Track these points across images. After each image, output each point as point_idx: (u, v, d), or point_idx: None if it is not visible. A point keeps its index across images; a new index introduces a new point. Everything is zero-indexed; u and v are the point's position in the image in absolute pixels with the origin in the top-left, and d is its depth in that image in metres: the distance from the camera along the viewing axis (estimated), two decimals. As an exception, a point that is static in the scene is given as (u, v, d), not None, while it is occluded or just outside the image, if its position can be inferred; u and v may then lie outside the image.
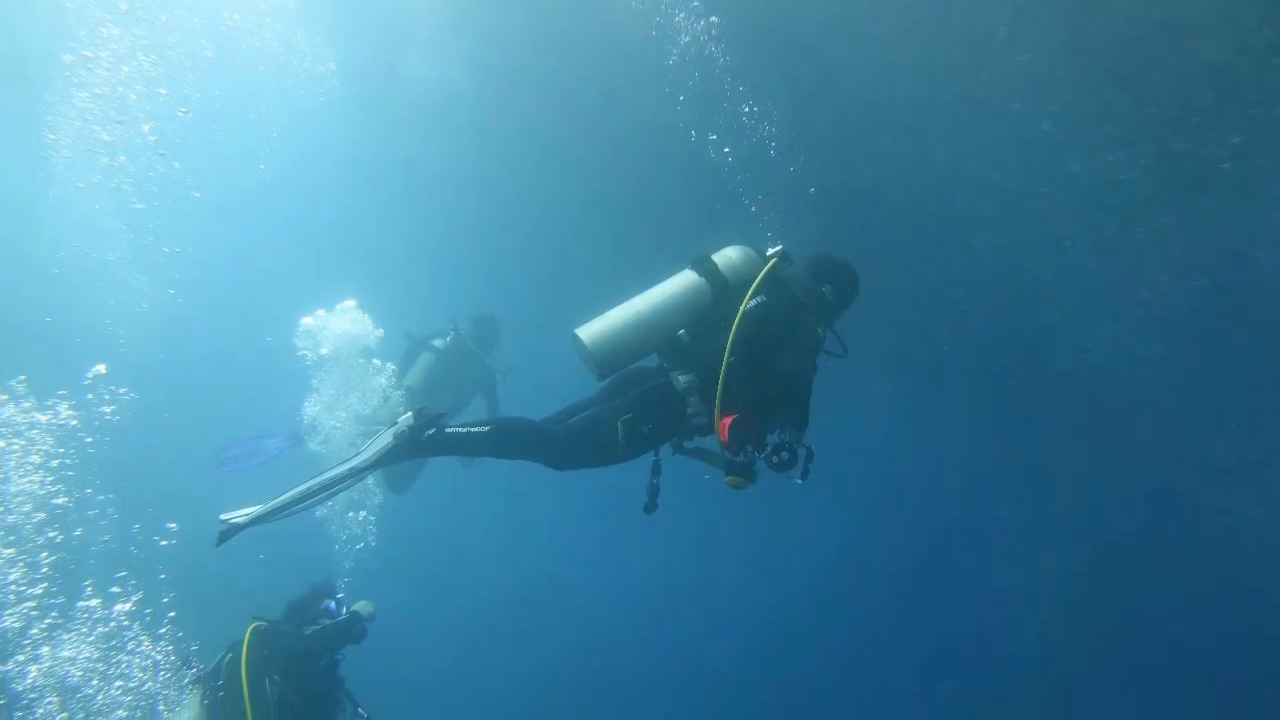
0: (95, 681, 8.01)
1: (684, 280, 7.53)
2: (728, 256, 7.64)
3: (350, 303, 12.67)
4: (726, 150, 17.18)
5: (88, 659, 8.08)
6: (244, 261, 27.26)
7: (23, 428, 9.34)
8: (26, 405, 9.48)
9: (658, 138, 19.80)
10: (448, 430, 6.81)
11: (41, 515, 8.91)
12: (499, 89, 21.72)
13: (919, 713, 25.32)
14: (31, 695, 7.62)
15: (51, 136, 21.33)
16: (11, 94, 22.01)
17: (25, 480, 9.04)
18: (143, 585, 8.70)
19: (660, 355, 7.59)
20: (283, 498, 6.51)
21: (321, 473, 6.60)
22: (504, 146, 23.00)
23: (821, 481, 7.50)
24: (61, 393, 10.02)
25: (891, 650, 26.98)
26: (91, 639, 8.16)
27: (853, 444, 22.77)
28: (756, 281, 7.30)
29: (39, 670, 7.79)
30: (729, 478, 7.14)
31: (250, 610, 8.97)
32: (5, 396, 9.39)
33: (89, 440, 10.46)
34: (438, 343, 14.31)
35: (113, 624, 8.27)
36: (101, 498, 12.29)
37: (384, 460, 6.66)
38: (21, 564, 8.34)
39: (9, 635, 7.91)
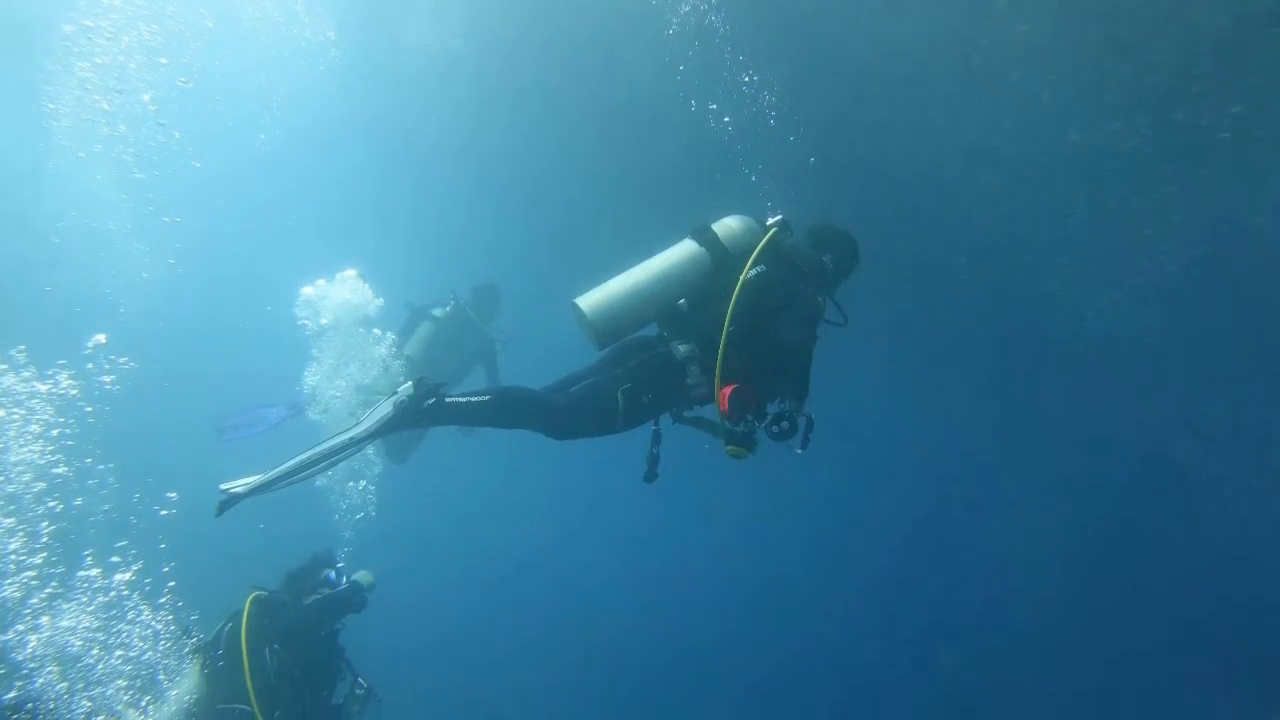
0: (95, 651, 8.02)
1: (684, 250, 7.55)
2: (728, 226, 7.65)
3: (350, 272, 12.67)
4: (726, 120, 17.17)
5: (88, 628, 8.09)
6: (244, 231, 27.25)
7: (23, 397, 9.34)
8: (26, 375, 9.47)
9: (657, 107, 19.78)
10: (447, 400, 6.80)
11: (41, 485, 8.91)
12: (499, 58, 21.69)
13: (920, 682, 25.36)
14: (31, 664, 7.63)
15: (52, 106, 21.31)
16: (12, 63, 21.98)
17: (25, 450, 9.04)
18: (143, 555, 8.72)
19: (660, 325, 7.59)
20: (283, 467, 6.50)
21: (321, 442, 6.59)
22: (504, 115, 22.98)
23: (821, 451, 7.50)
24: (61, 362, 10.02)
25: (892, 620, 27.02)
26: (91, 608, 8.17)
27: (853, 413, 22.80)
28: (756, 251, 7.31)
29: (39, 640, 7.80)
30: (729, 447, 7.16)
31: (250, 580, 8.99)
32: (5, 366, 9.38)
33: (89, 410, 10.46)
34: (438, 312, 14.30)
35: (113, 593, 8.28)
36: (101, 467, 12.28)
37: (384, 430, 6.65)
38: (21, 533, 8.35)
39: (9, 605, 7.92)
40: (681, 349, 7.25)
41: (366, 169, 26.57)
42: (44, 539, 8.47)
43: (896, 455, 27.19)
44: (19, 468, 8.85)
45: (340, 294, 12.55)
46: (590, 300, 7.24)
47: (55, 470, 9.14)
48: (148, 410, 20.69)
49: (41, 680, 7.58)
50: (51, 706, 7.44)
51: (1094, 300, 20.89)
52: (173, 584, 8.86)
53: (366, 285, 12.68)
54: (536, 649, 27.24)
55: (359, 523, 13.98)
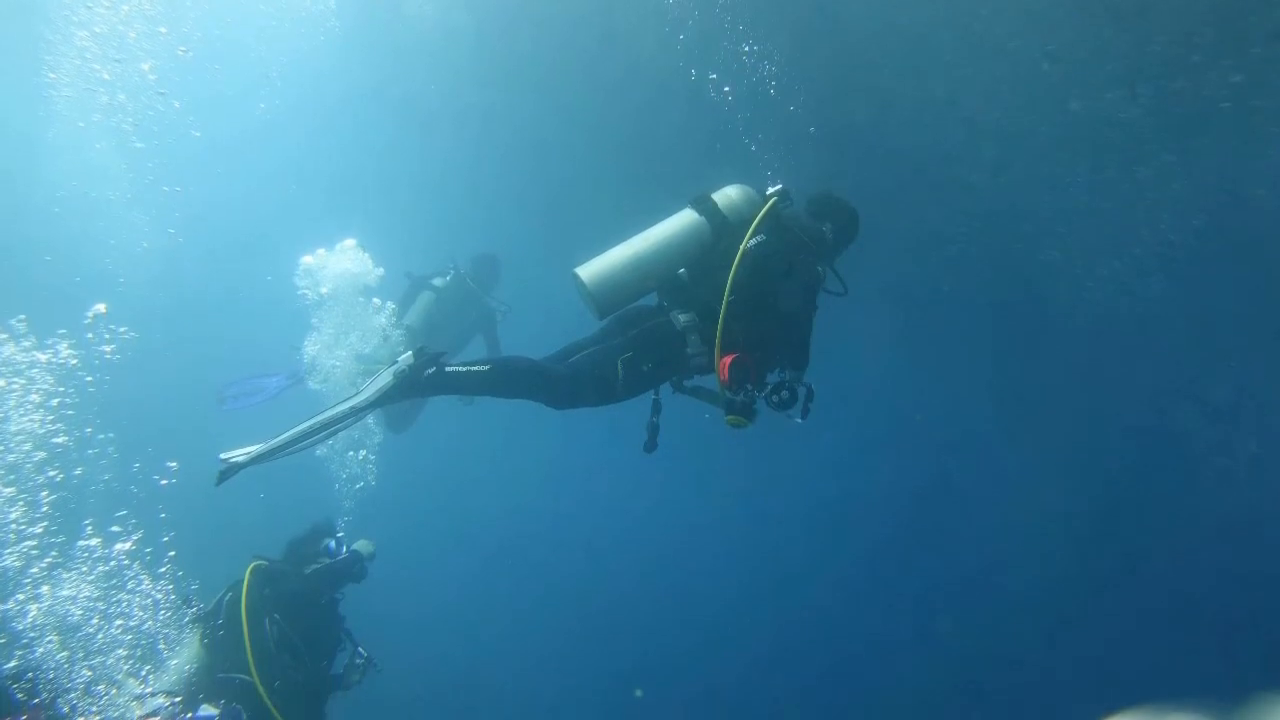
0: (95, 620, 8.03)
1: (684, 219, 7.55)
2: (728, 195, 7.65)
3: (350, 242, 12.69)
4: (726, 89, 17.18)
5: (88, 598, 8.09)
6: (244, 200, 27.22)
7: (23, 367, 9.33)
8: (27, 344, 9.46)
9: (658, 77, 19.76)
10: (447, 369, 6.79)
11: (42, 454, 8.91)
12: (500, 27, 21.63)
13: (918, 649, 25.41)
14: (31, 634, 7.64)
15: (52, 75, 21.27)
16: (12, 32, 21.93)
17: (25, 419, 9.04)
18: (143, 524, 8.72)
19: (660, 294, 7.61)
20: (283, 437, 6.50)
21: (322, 412, 6.60)
22: (504, 85, 22.94)
23: (821, 420, 7.51)
24: (61, 332, 10.00)
25: (891, 587, 27.07)
26: (91, 578, 8.18)
27: (853, 383, 22.83)
28: (756, 220, 7.30)
29: (39, 609, 7.81)
30: (729, 417, 7.18)
31: (250, 549, 9.00)
32: (5, 335, 9.37)
33: (89, 379, 10.45)
34: (438, 282, 14.32)
35: (113, 563, 8.29)
36: (102, 436, 12.30)
37: (384, 399, 6.64)
38: (21, 503, 8.34)
39: (9, 574, 7.92)
40: (681, 318, 7.26)
41: (367, 139, 26.54)
42: (44, 508, 8.47)
43: (896, 425, 27.24)
44: (19, 437, 8.85)
45: (340, 263, 12.57)
46: (590, 270, 7.24)
47: (55, 440, 9.14)
48: (148, 380, 20.70)
49: (42, 649, 7.59)
50: (52, 675, 7.45)
51: (1094, 270, 20.91)
52: (173, 553, 8.87)
53: (366, 254, 12.69)
54: (536, 618, 27.29)
55: (359, 492, 14.02)
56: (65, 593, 8.03)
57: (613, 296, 7.28)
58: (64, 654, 7.69)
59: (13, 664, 7.41)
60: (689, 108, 19.26)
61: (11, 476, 8.47)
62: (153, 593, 8.39)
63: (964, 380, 24.98)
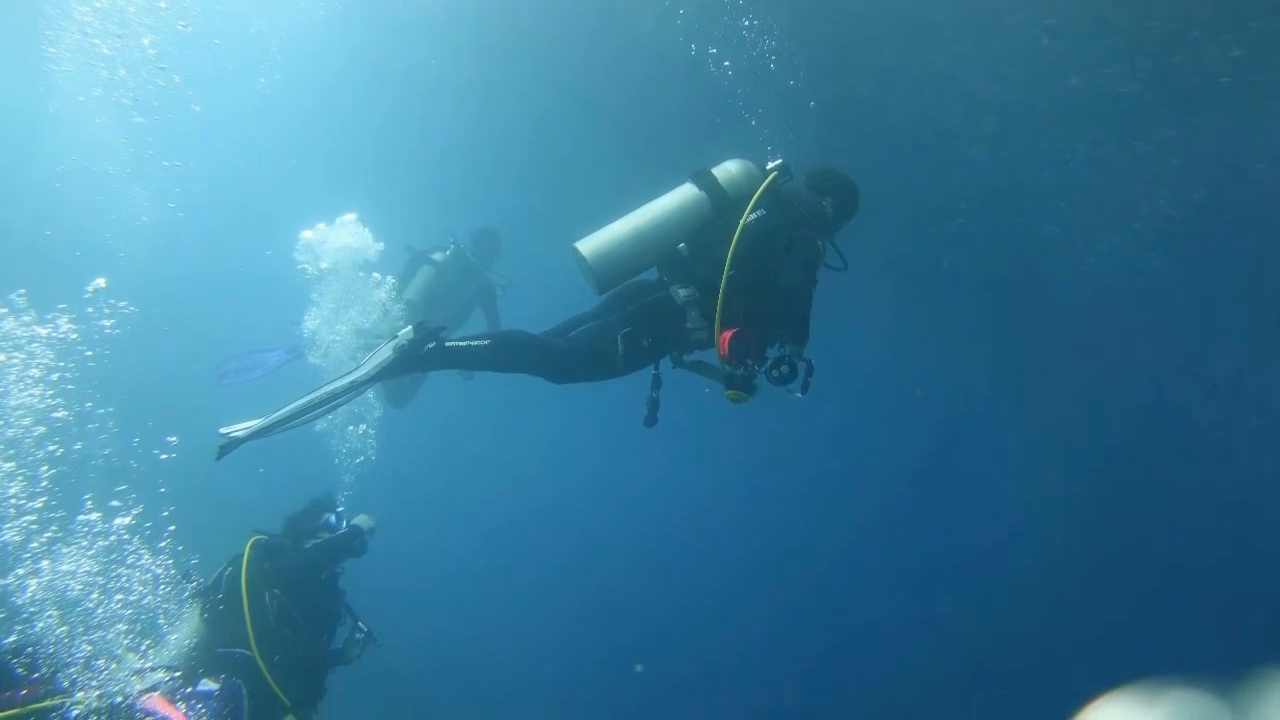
0: (95, 595, 8.02)
1: (684, 194, 7.54)
2: (728, 170, 7.63)
3: (350, 216, 12.65)
4: (726, 64, 17.16)
5: (88, 573, 8.09)
6: (244, 175, 27.18)
7: (23, 341, 9.31)
8: (27, 319, 9.44)
9: (658, 51, 19.72)
10: (447, 344, 6.81)
11: (41, 429, 8.90)
12: (500, 2, 21.56)
13: (918, 628, 25.41)
14: (31, 609, 7.63)
15: (52, 50, 21.22)
16: (11, 7, 21.88)
17: (25, 394, 9.02)
18: (143, 499, 8.71)
19: (660, 269, 7.61)
20: (283, 411, 6.54)
21: (321, 386, 6.62)
22: (504, 60, 22.88)
23: (821, 396, 7.52)
24: (62, 306, 9.98)
25: (891, 566, 27.06)
26: (91, 553, 8.17)
27: (853, 358, 22.80)
28: (756, 195, 7.29)
29: (39, 584, 7.80)
30: (729, 391, 7.20)
31: (250, 524, 9.01)
32: (5, 310, 9.35)
33: (89, 354, 10.42)
34: (438, 256, 14.30)
35: (112, 538, 8.28)
36: (102, 411, 12.26)
37: (384, 374, 6.68)
38: (21, 478, 8.33)
39: (9, 549, 7.91)
40: (681, 293, 7.28)
41: (367, 113, 26.49)
42: (44, 483, 8.46)
43: (896, 401, 27.23)
44: (19, 412, 8.83)
45: (340, 238, 12.54)
46: (590, 245, 7.22)
47: (55, 414, 9.13)
48: (148, 354, 20.70)
49: (41, 624, 7.58)
50: (51, 650, 7.44)
51: (1094, 245, 20.91)
52: (173, 528, 8.86)
53: (366, 229, 12.66)
54: (536, 593, 27.30)
55: (359, 467, 14.00)
56: (65, 568, 8.02)
57: (612, 271, 7.26)
58: (64, 629, 7.68)
59: (12, 639, 7.40)
60: (689, 82, 19.23)
61: (11, 451, 8.46)
62: (152, 567, 8.39)
63: (964, 356, 24.96)
